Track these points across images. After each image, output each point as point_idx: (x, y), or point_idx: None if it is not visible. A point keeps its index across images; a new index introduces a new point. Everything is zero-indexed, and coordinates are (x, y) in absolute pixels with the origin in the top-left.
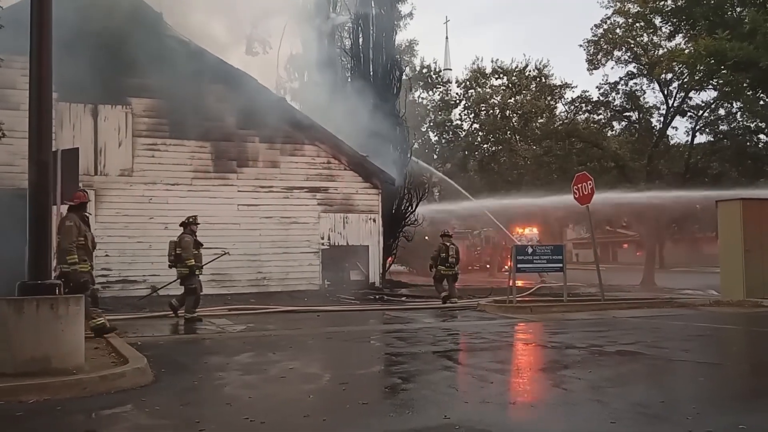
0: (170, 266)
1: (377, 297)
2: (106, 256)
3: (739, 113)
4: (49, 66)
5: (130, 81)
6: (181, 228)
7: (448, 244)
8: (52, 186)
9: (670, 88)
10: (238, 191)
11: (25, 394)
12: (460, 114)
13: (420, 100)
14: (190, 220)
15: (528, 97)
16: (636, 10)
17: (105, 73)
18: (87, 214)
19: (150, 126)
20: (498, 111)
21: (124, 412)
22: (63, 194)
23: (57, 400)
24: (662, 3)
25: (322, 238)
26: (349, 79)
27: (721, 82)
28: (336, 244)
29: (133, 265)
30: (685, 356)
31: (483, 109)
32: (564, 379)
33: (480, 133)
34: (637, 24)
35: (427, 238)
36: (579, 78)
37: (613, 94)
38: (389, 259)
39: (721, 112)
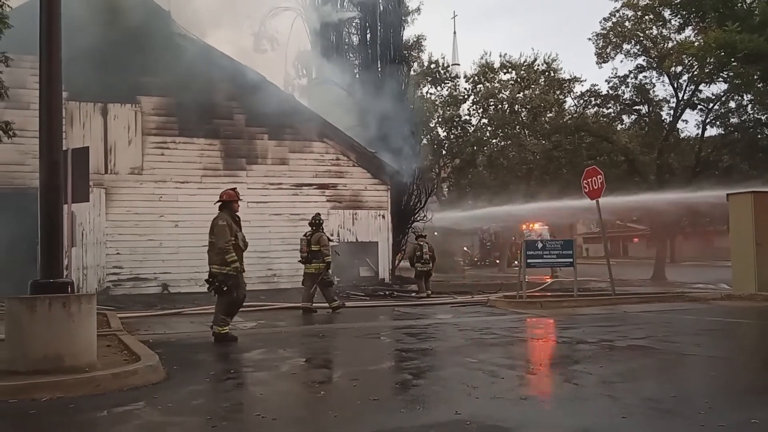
0: (301, 262)
1: (387, 293)
2: (117, 254)
3: (749, 106)
4: (58, 65)
5: (139, 79)
6: (312, 227)
7: (422, 243)
8: (62, 185)
9: (680, 80)
10: (248, 188)
11: (38, 392)
12: (468, 109)
13: (428, 95)
14: (322, 219)
15: (537, 92)
16: (645, 3)
17: (114, 72)
18: (237, 215)
19: (159, 124)
20: (507, 106)
21: (137, 410)
22: (73, 193)
23: (70, 397)
24: None
25: (332, 235)
26: (357, 76)
27: (731, 74)
28: (345, 240)
29: (144, 263)
30: (697, 351)
31: (491, 103)
32: (575, 374)
33: (489, 128)
34: (646, 17)
35: (436, 233)
36: (588, 72)
37: (623, 87)
38: (398, 255)
39: (732, 104)
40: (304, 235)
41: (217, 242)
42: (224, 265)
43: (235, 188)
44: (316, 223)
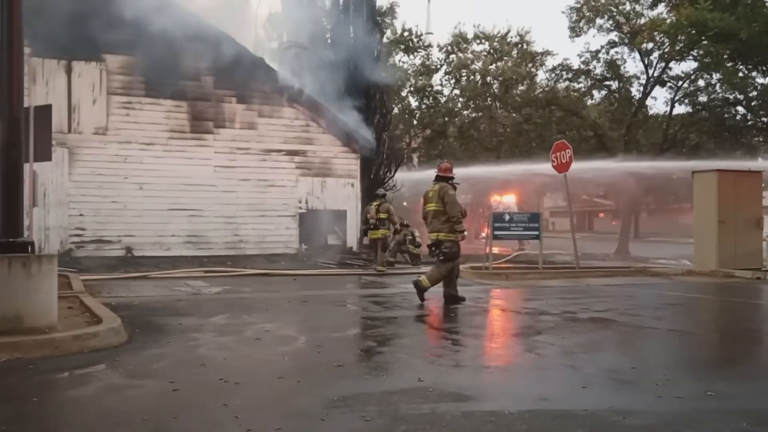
0: (370, 228)
1: (354, 262)
2: (80, 215)
3: (718, 85)
4: (20, 19)
5: (104, 37)
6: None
7: (412, 229)
8: (24, 143)
9: (651, 57)
10: (215, 152)
11: None
12: (440, 79)
13: (401, 63)
14: (387, 192)
15: (509, 64)
16: None
17: (79, 28)
18: (457, 184)
19: (125, 84)
20: (479, 77)
21: (97, 372)
22: (35, 152)
23: (29, 359)
24: None
25: (300, 202)
26: (329, 41)
27: (701, 53)
28: (314, 208)
29: (108, 225)
30: (657, 324)
31: (464, 74)
32: (537, 345)
33: (460, 99)
34: None
35: (405, 204)
36: (560, 46)
37: (594, 62)
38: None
39: (701, 83)
40: (374, 205)
41: (450, 211)
42: (452, 233)
43: (448, 161)
44: (383, 195)
